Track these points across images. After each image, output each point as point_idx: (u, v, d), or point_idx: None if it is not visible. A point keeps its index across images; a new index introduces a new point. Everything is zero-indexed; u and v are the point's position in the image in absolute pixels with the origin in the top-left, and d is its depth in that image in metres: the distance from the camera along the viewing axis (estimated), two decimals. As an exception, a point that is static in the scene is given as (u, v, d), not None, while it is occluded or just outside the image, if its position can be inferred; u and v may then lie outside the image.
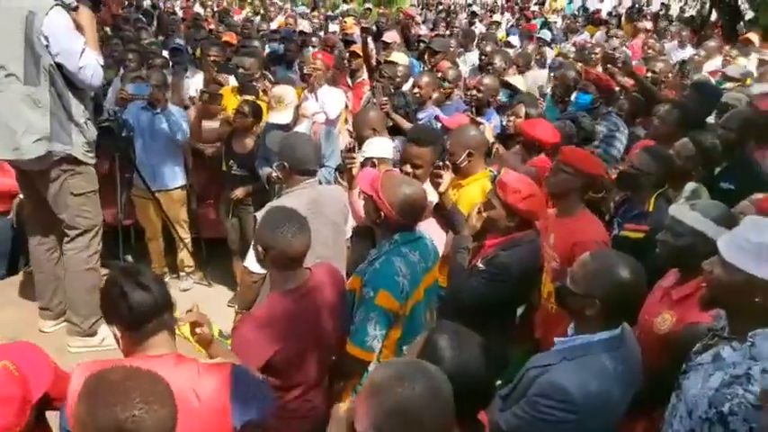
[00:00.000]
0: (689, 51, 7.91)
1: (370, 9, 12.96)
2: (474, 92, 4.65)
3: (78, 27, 3.07)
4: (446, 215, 2.91)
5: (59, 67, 2.98)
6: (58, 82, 3.00)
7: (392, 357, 2.24)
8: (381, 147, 3.32)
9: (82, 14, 3.14)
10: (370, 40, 5.59)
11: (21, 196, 3.92)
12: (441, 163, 2.87)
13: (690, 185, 2.85)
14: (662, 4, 14.78)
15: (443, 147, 3.19)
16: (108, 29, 8.01)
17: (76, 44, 2.97)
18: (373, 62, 5.36)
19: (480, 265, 2.55)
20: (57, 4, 2.93)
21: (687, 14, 13.84)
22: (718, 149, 3.30)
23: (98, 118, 3.57)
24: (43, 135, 3.00)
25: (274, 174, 3.46)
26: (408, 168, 3.02)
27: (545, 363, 1.92)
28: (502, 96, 5.00)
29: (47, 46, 2.91)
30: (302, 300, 2.19)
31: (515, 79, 5.11)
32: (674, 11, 14.64)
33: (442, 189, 2.82)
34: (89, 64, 3.02)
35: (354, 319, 2.23)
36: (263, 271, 2.76)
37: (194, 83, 5.60)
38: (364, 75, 5.55)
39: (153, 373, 1.37)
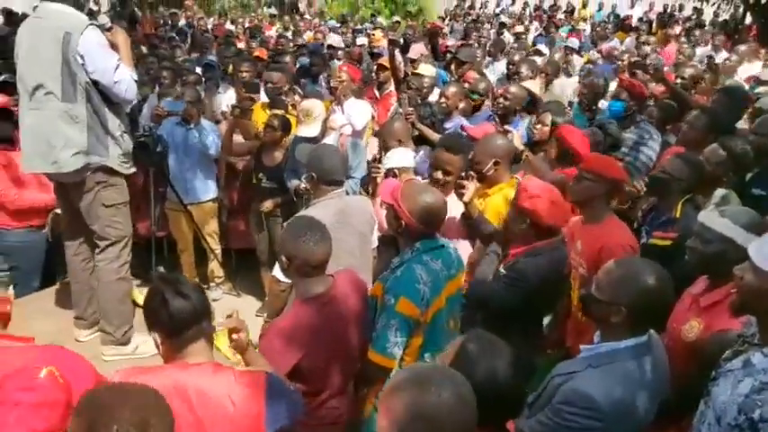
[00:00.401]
0: (722, 56, 7.76)
1: (399, 22, 13.07)
2: (501, 100, 4.65)
3: (113, 46, 3.20)
4: (472, 224, 2.93)
5: (95, 83, 3.10)
6: (95, 98, 3.12)
7: None
8: (402, 157, 3.36)
9: (117, 34, 3.29)
10: (397, 52, 5.65)
11: (57, 210, 4.08)
12: (464, 173, 2.90)
13: (719, 191, 2.80)
14: (694, 8, 14.53)
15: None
16: (144, 47, 8.26)
17: (110, 61, 3.10)
18: (400, 74, 5.41)
19: (502, 270, 2.56)
20: (90, 24, 3.06)
21: (721, 19, 13.58)
22: (749, 155, 3.24)
23: (134, 133, 3.69)
24: (81, 149, 3.13)
25: (302, 185, 3.53)
26: (439, 174, 3.05)
27: (570, 370, 1.91)
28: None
29: (82, 64, 3.03)
30: (326, 307, 2.23)
31: (532, 84, 5.06)
32: (708, 15, 14.38)
33: (466, 199, 2.84)
34: (123, 79, 3.14)
35: (376, 326, 2.26)
36: (290, 280, 2.81)
37: (226, 98, 5.73)
38: (391, 86, 5.60)
39: (146, 389, 1.40)
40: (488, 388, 1.37)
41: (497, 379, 1.49)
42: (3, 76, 5.13)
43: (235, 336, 2.00)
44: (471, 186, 2.86)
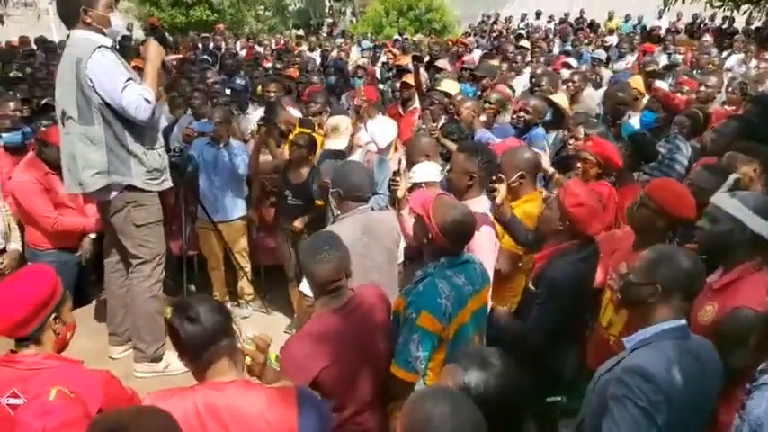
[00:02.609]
0: (752, 65, 7.61)
1: (422, 40, 13.21)
2: (522, 113, 4.64)
3: (143, 59, 3.28)
4: (506, 226, 2.98)
5: (108, 105, 3.14)
6: (111, 119, 3.17)
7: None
8: (427, 171, 3.37)
9: (148, 46, 3.36)
10: (421, 68, 5.70)
11: (92, 235, 4.19)
12: (494, 176, 2.94)
13: (732, 176, 2.74)
14: (724, 17, 14.28)
15: (490, 164, 3.21)
16: (175, 71, 8.49)
17: (118, 82, 3.10)
18: (424, 89, 5.44)
19: (531, 287, 2.54)
20: (99, 47, 3.10)
21: (753, 26, 13.31)
22: None
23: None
24: (101, 169, 3.21)
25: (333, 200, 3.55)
26: (446, 171, 3.09)
27: (614, 363, 1.92)
28: (547, 115, 4.97)
29: (93, 87, 3.09)
30: (346, 318, 2.24)
31: (559, 98, 5.03)
32: (739, 24, 14.12)
33: (498, 201, 2.88)
34: (131, 100, 3.12)
35: (398, 340, 2.26)
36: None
37: (254, 118, 5.84)
38: (416, 103, 5.64)
39: (156, 411, 1.45)
40: (488, 403, 1.43)
41: (489, 390, 1.54)
42: (45, 99, 5.36)
43: (249, 361, 2.01)
44: (503, 188, 2.89)
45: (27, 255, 4.13)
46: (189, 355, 1.81)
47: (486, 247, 2.88)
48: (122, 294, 3.71)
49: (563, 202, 2.63)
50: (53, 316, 2.00)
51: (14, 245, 4.04)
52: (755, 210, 2.14)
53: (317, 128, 4.99)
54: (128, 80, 3.12)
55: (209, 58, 10.49)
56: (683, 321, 1.88)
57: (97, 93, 3.10)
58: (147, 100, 3.15)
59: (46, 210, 3.96)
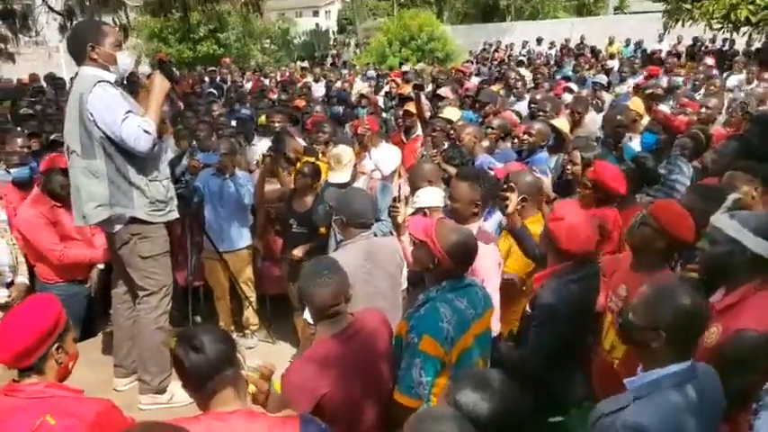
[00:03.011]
0: (755, 85, 7.66)
1: (424, 69, 13.41)
2: (525, 137, 4.67)
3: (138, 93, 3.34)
4: (516, 236, 3.04)
5: (109, 137, 3.17)
6: (112, 152, 3.20)
7: None
8: (430, 196, 3.39)
9: (152, 79, 3.39)
10: (423, 96, 5.77)
11: (100, 266, 4.22)
12: (506, 185, 3.02)
13: (732, 196, 2.72)
14: (724, 39, 14.41)
15: (494, 187, 3.23)
16: (181, 104, 8.63)
17: (117, 115, 3.12)
18: (426, 116, 5.50)
19: (528, 310, 2.54)
20: (99, 82, 3.15)
21: (753, 48, 13.43)
22: None
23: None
24: (102, 202, 3.24)
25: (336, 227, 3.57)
26: (447, 200, 3.13)
27: (617, 407, 1.88)
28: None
29: (93, 120, 3.13)
30: (347, 343, 2.24)
31: (560, 122, 5.06)
32: (740, 45, 14.24)
33: (509, 211, 2.94)
34: (130, 131, 3.13)
35: (401, 366, 2.24)
36: (315, 322, 2.83)
37: (259, 149, 5.91)
38: (418, 130, 5.70)
39: (166, 426, 1.46)
40: (484, 424, 1.45)
41: (483, 412, 1.54)
42: (54, 135, 5.46)
43: (253, 389, 2.00)
44: (514, 198, 2.95)
45: (37, 288, 4.16)
46: (193, 385, 1.80)
47: (490, 268, 2.89)
48: (129, 326, 3.71)
49: (546, 218, 2.65)
50: (56, 346, 2.00)
51: (22, 278, 4.08)
52: (755, 230, 2.13)
53: (320, 156, 5.05)
54: (127, 112, 3.14)
55: (215, 91, 10.68)
56: (689, 363, 1.83)
57: (98, 126, 3.14)
58: (146, 131, 3.15)
59: (52, 243, 4.00)
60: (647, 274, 2.54)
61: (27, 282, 4.10)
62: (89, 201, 3.25)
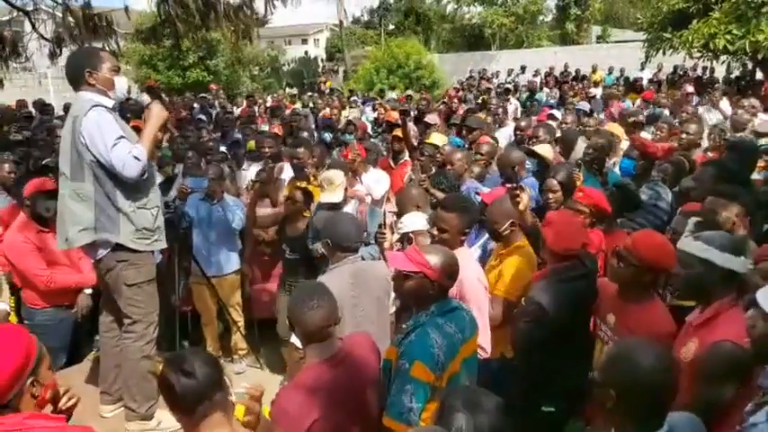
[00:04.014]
0: (714, 116, 7.88)
1: (411, 96, 13.58)
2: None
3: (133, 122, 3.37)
4: (528, 232, 3.26)
5: (99, 162, 3.16)
6: (101, 176, 3.19)
7: None
8: (414, 221, 3.44)
9: (151, 107, 3.40)
10: (409, 122, 5.86)
11: (87, 291, 4.20)
12: (515, 186, 3.30)
13: (692, 219, 2.80)
14: (703, 68, 14.79)
15: (475, 216, 3.30)
16: (175, 131, 8.68)
17: (108, 140, 3.12)
18: (414, 142, 5.59)
19: (523, 303, 2.77)
20: (94, 106, 3.17)
21: (733, 75, 13.79)
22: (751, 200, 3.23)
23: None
24: (87, 226, 3.23)
25: (319, 250, 3.60)
26: (434, 231, 3.15)
27: None
28: (532, 166, 5.07)
29: (85, 144, 3.14)
30: (337, 368, 2.24)
31: (542, 149, 5.16)
32: (720, 73, 14.61)
33: (521, 207, 3.17)
34: (120, 156, 3.12)
35: (391, 391, 2.24)
36: (303, 346, 2.83)
37: (250, 174, 5.94)
38: (407, 156, 5.78)
39: None
40: None
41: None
42: (46, 160, 5.46)
43: (247, 417, 2.00)
44: (525, 196, 3.20)
45: (24, 313, 4.15)
46: (183, 409, 1.80)
47: (478, 291, 2.93)
48: (116, 354, 3.67)
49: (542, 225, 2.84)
50: (30, 381, 1.84)
51: (2, 305, 4.03)
52: (722, 247, 2.20)
53: (312, 179, 5.09)
54: (119, 138, 3.15)
55: (204, 117, 10.73)
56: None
57: (89, 150, 3.14)
58: (136, 158, 3.16)
59: (38, 268, 3.99)
60: (636, 305, 2.57)
61: (8, 309, 4.05)
62: (74, 224, 3.23)
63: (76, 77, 3.28)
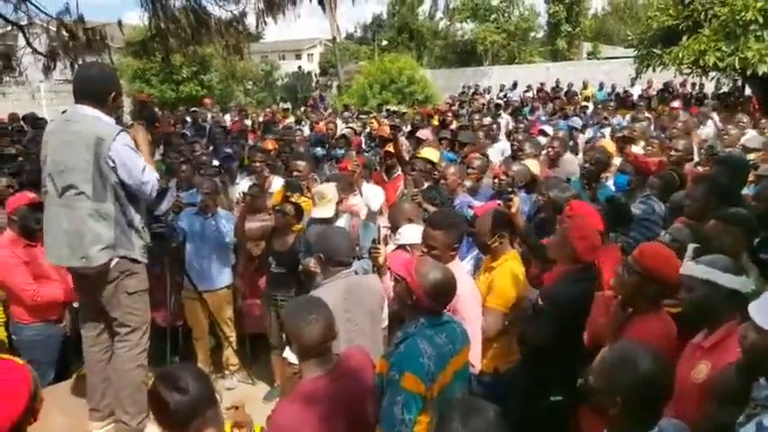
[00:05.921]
0: (706, 131, 7.98)
1: (405, 112, 13.68)
2: (503, 177, 4.77)
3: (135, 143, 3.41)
4: (521, 234, 3.41)
5: (123, 183, 3.28)
6: (122, 196, 3.29)
7: None
8: (411, 233, 3.44)
9: (136, 131, 3.50)
10: (402, 137, 5.90)
11: (75, 305, 4.15)
12: (510, 188, 3.47)
13: (691, 246, 2.79)
14: (693, 84, 14.96)
15: (463, 231, 3.31)
16: (163, 144, 8.67)
17: (139, 164, 3.28)
18: (406, 156, 5.62)
19: (539, 302, 2.84)
20: (122, 131, 3.27)
21: (722, 91, 13.96)
22: (752, 222, 3.23)
23: (151, 225, 3.81)
24: (108, 244, 3.27)
25: (312, 264, 3.60)
26: (423, 248, 3.14)
27: None
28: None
29: (113, 167, 3.21)
30: (334, 383, 2.23)
31: (530, 163, 5.19)
32: (710, 89, 14.81)
33: (513, 210, 3.31)
34: (150, 180, 3.32)
35: (382, 404, 2.23)
36: (298, 361, 2.82)
37: (241, 187, 5.94)
38: (400, 170, 5.80)
39: None
40: None
41: None
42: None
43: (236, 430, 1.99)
44: (517, 200, 3.32)
45: (12, 329, 4.10)
46: (174, 426, 1.78)
47: (471, 304, 2.93)
48: (102, 368, 3.64)
49: (570, 229, 2.94)
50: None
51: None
52: (725, 269, 2.21)
53: (305, 191, 5.09)
54: (144, 161, 3.34)
55: (197, 132, 10.72)
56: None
57: (116, 173, 3.22)
58: (156, 179, 3.41)
59: (25, 283, 3.96)
60: (639, 315, 2.58)
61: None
62: (95, 243, 3.25)
63: (99, 94, 3.30)
